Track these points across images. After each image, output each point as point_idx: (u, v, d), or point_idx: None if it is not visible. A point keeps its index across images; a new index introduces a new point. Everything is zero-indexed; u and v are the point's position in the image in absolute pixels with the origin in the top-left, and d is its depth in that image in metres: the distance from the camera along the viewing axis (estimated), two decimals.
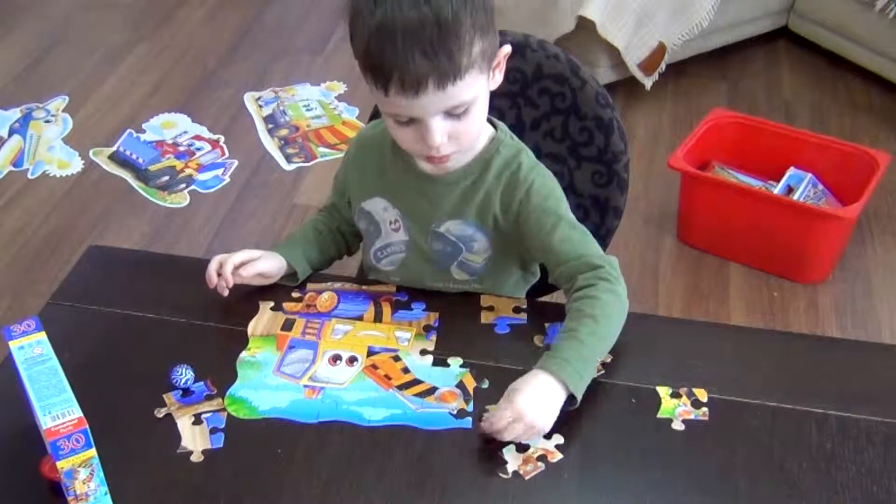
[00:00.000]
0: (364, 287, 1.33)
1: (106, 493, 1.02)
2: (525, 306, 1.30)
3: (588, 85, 1.47)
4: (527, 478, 1.06)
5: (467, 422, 1.13)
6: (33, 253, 2.56)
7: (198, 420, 1.13)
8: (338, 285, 1.33)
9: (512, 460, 1.09)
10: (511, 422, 1.08)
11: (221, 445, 1.11)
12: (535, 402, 1.09)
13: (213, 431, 1.12)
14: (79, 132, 3.03)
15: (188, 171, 2.87)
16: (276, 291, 1.32)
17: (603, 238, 1.54)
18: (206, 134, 3.03)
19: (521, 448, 1.10)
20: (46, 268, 2.49)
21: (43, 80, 3.28)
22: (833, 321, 2.34)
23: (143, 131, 3.04)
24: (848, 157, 2.48)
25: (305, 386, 1.18)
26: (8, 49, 3.47)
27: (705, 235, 2.53)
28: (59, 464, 0.97)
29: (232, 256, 1.29)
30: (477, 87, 1.14)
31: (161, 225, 2.65)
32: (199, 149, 2.96)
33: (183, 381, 1.17)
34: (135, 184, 2.81)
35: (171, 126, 3.07)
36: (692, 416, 1.14)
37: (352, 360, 1.22)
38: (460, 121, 1.15)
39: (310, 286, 1.33)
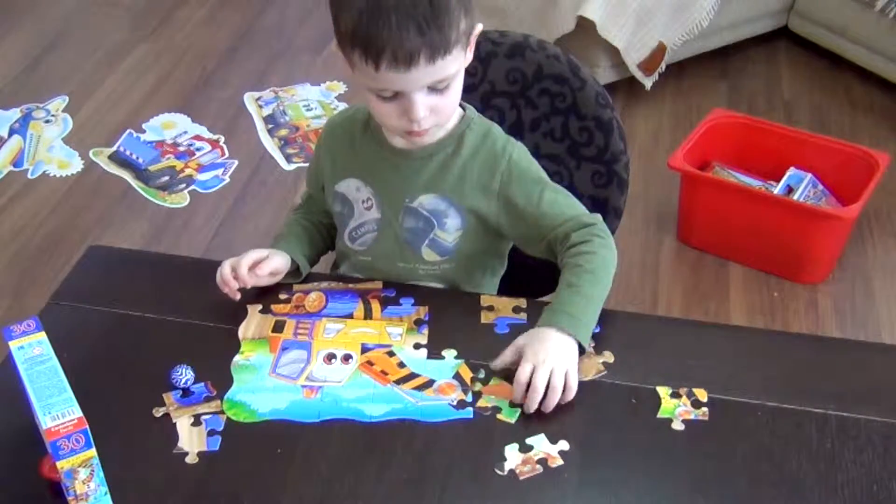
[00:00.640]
0: (351, 285, 1.33)
1: (106, 493, 1.02)
2: (525, 306, 1.30)
3: (588, 85, 1.47)
4: (521, 478, 1.06)
5: (468, 412, 1.14)
6: (33, 253, 2.56)
7: (197, 421, 1.13)
8: (324, 285, 1.33)
9: (511, 459, 1.09)
10: (532, 373, 1.13)
11: (217, 448, 1.10)
12: (552, 353, 1.15)
13: (210, 434, 1.12)
14: (79, 132, 3.03)
15: (188, 171, 2.87)
16: (263, 294, 1.31)
17: None
18: (206, 134, 3.03)
19: (524, 448, 1.10)
20: (46, 268, 2.49)
21: (43, 80, 3.28)
22: (833, 321, 2.34)
23: (143, 131, 3.04)
24: (848, 157, 2.48)
25: (303, 386, 1.18)
26: (8, 49, 3.47)
27: (705, 235, 2.53)
28: (59, 464, 0.97)
29: (243, 258, 1.29)
30: (459, 61, 1.19)
31: (161, 225, 2.65)
32: (199, 149, 2.96)
33: (183, 381, 1.17)
34: (135, 184, 2.81)
35: (171, 126, 3.07)
36: (692, 417, 1.14)
37: (346, 357, 1.22)
38: (442, 95, 1.19)
39: (296, 287, 1.33)
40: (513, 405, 1.15)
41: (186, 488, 1.06)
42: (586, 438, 1.12)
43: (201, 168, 2.88)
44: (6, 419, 1.13)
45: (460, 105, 1.31)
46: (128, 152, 2.94)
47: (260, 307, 1.30)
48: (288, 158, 2.92)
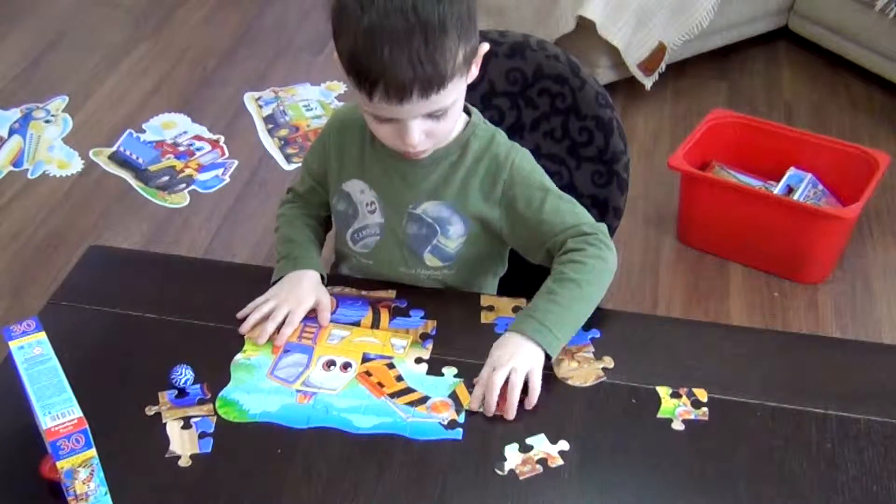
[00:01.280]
0: (364, 292, 1.32)
1: (106, 493, 1.02)
2: (525, 306, 1.30)
3: (588, 85, 1.47)
4: (521, 478, 1.06)
5: (457, 433, 1.12)
6: (33, 253, 2.56)
7: (187, 424, 1.13)
8: (337, 289, 1.33)
9: (511, 458, 1.09)
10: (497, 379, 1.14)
11: (210, 451, 1.10)
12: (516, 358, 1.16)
13: (201, 436, 1.12)
14: (79, 132, 3.03)
15: (188, 171, 2.86)
16: None
17: None
18: (206, 134, 3.03)
19: (524, 448, 1.10)
20: (46, 268, 2.49)
21: (43, 80, 3.28)
22: (833, 321, 2.34)
23: (143, 131, 3.03)
24: (848, 157, 2.48)
25: (298, 391, 1.18)
26: (8, 49, 3.47)
27: (705, 235, 2.53)
28: (59, 464, 0.97)
29: (295, 316, 1.26)
30: (458, 90, 1.17)
31: (161, 225, 2.65)
32: (199, 149, 2.96)
33: (182, 381, 1.17)
34: (135, 184, 2.81)
35: (171, 126, 3.07)
36: (692, 416, 1.14)
37: (346, 366, 1.21)
38: (438, 121, 1.18)
39: None
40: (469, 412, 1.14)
41: (186, 488, 1.06)
42: (586, 438, 1.12)
43: (201, 168, 2.88)
44: (6, 419, 1.13)
45: (465, 111, 1.31)
46: (128, 152, 2.94)
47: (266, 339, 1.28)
48: (288, 158, 2.92)
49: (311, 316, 1.28)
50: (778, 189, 2.48)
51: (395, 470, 1.08)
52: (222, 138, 3.01)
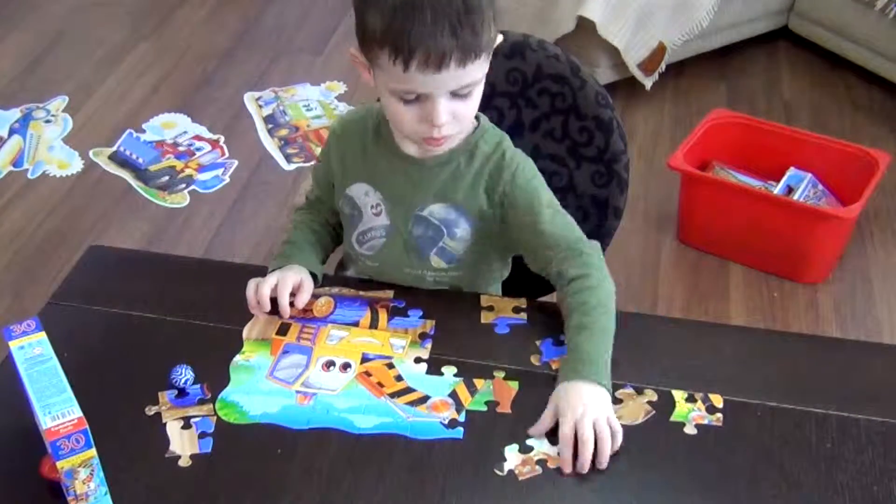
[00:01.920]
0: (361, 293, 1.32)
1: (106, 493, 1.02)
2: (525, 306, 1.30)
3: (588, 85, 1.47)
4: (520, 478, 1.06)
5: (458, 432, 1.12)
6: (33, 253, 2.56)
7: (187, 424, 1.13)
8: (335, 290, 1.33)
9: (511, 459, 1.09)
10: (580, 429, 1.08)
11: (210, 451, 1.10)
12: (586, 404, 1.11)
13: (202, 436, 1.12)
14: (79, 132, 3.03)
15: (188, 171, 2.87)
16: (274, 296, 1.31)
17: (603, 238, 1.54)
18: (206, 134, 3.03)
19: (524, 449, 1.10)
20: (46, 268, 2.49)
21: (43, 80, 3.28)
22: (833, 321, 2.34)
23: (143, 131, 3.04)
24: (848, 157, 2.48)
25: (297, 392, 1.17)
26: (8, 49, 3.47)
27: (705, 235, 2.53)
28: (59, 464, 0.97)
29: (285, 286, 1.26)
30: (485, 68, 1.17)
31: (161, 225, 2.65)
32: (199, 149, 2.96)
33: (182, 381, 1.17)
34: (135, 184, 2.81)
35: (171, 126, 3.07)
36: (705, 421, 1.13)
37: (345, 366, 1.21)
38: (464, 101, 1.17)
39: None
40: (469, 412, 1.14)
41: (186, 488, 1.06)
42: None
43: (201, 168, 2.88)
44: (6, 419, 1.13)
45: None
46: (128, 152, 2.94)
47: (268, 308, 1.29)
48: (288, 158, 2.92)
49: (310, 317, 1.28)
50: (778, 189, 2.48)
51: (395, 470, 1.08)
52: (222, 138, 3.01)
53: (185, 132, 3.04)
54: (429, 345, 1.24)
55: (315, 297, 1.31)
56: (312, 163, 2.88)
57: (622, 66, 2.99)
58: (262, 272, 1.36)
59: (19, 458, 1.08)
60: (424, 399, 1.17)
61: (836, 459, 1.09)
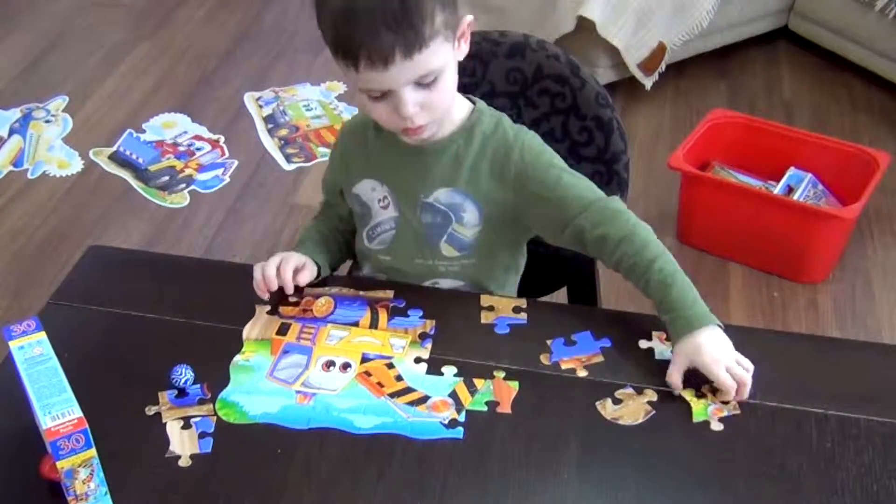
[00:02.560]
0: (361, 292, 1.32)
1: (106, 493, 1.02)
2: (525, 306, 1.30)
3: (588, 85, 1.47)
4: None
5: (458, 432, 1.12)
6: (33, 253, 2.56)
7: (187, 424, 1.13)
8: (335, 290, 1.33)
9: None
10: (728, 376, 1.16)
11: (210, 450, 1.10)
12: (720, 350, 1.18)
13: (202, 436, 1.12)
14: (79, 132, 3.03)
15: (188, 171, 2.87)
16: (274, 296, 1.31)
17: None
18: (206, 134, 3.03)
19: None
20: (46, 268, 2.49)
21: (43, 80, 3.29)
22: (833, 321, 2.34)
23: (143, 131, 3.04)
24: (848, 157, 2.48)
25: (297, 391, 1.17)
26: (8, 49, 3.47)
27: (705, 235, 2.53)
28: (59, 464, 0.97)
29: (289, 263, 1.30)
30: (443, 55, 1.18)
31: (161, 225, 2.65)
32: (199, 149, 2.96)
33: (182, 380, 1.17)
34: (135, 184, 2.81)
35: (171, 126, 3.07)
36: (725, 413, 1.14)
37: (345, 366, 1.21)
38: (431, 90, 1.19)
39: (307, 290, 1.32)
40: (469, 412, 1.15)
41: (186, 488, 1.06)
42: (586, 439, 1.12)
43: (201, 168, 2.88)
44: (6, 419, 1.13)
45: (470, 99, 1.33)
46: (128, 152, 2.94)
47: (268, 308, 1.29)
48: (288, 158, 2.92)
49: (310, 316, 1.28)
50: (778, 189, 2.48)
51: (395, 470, 1.08)
52: (222, 138, 3.01)
53: (185, 132, 3.04)
54: (429, 344, 1.24)
55: (315, 296, 1.31)
56: (313, 163, 2.89)
57: (622, 66, 2.99)
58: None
59: (19, 458, 1.08)
60: (424, 399, 1.16)
61: (835, 459, 1.09)
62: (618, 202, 1.31)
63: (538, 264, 1.49)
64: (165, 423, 1.13)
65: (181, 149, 2.96)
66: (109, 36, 3.55)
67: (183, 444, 1.11)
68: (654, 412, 1.15)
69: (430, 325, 1.27)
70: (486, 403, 1.16)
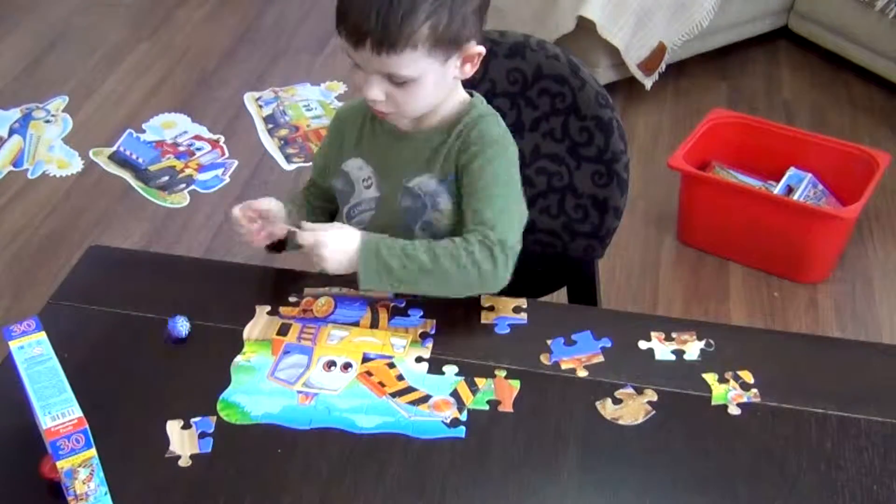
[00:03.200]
0: (361, 292, 1.33)
1: (106, 493, 1.02)
2: (525, 306, 1.30)
3: (588, 85, 1.47)
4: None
5: (460, 431, 1.12)
6: (33, 253, 2.56)
7: (186, 424, 1.13)
8: (335, 290, 1.33)
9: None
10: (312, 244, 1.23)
11: (210, 451, 1.10)
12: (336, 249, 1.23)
13: (201, 436, 1.12)
14: (79, 132, 3.03)
15: (188, 171, 2.87)
16: (273, 296, 1.31)
17: (603, 238, 1.54)
18: (206, 134, 3.03)
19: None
20: (46, 268, 2.49)
21: (43, 80, 3.28)
22: (833, 321, 2.34)
23: (143, 131, 3.04)
24: (848, 157, 2.48)
25: (299, 392, 1.17)
26: (8, 49, 3.47)
27: (705, 235, 2.53)
28: (59, 464, 0.97)
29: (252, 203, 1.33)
30: (419, 67, 1.19)
31: (161, 225, 2.65)
32: (199, 149, 2.96)
33: (182, 330, 1.20)
34: (135, 184, 2.81)
35: (171, 126, 3.07)
36: (745, 399, 1.15)
37: (346, 366, 1.21)
38: (399, 89, 1.22)
39: (307, 291, 1.32)
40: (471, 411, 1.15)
41: (186, 488, 1.06)
42: (586, 439, 1.12)
43: (201, 168, 2.88)
44: (6, 419, 1.13)
45: (469, 92, 1.34)
46: (128, 152, 2.94)
47: (268, 308, 1.29)
48: (288, 158, 2.92)
49: (310, 316, 1.28)
50: (778, 189, 2.48)
51: (395, 470, 1.08)
52: (222, 138, 3.01)
53: (185, 132, 3.04)
54: (429, 344, 1.24)
55: (315, 296, 1.31)
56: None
57: (622, 66, 2.99)
58: (262, 272, 1.36)
59: (19, 458, 1.08)
60: (426, 398, 1.17)
61: (836, 459, 1.09)
62: (501, 239, 1.23)
63: (538, 264, 1.49)
64: (165, 423, 1.13)
65: (181, 149, 2.96)
66: (109, 36, 3.55)
67: (183, 444, 1.11)
68: (654, 412, 1.15)
69: (430, 325, 1.27)
70: (488, 402, 1.16)
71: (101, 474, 1.01)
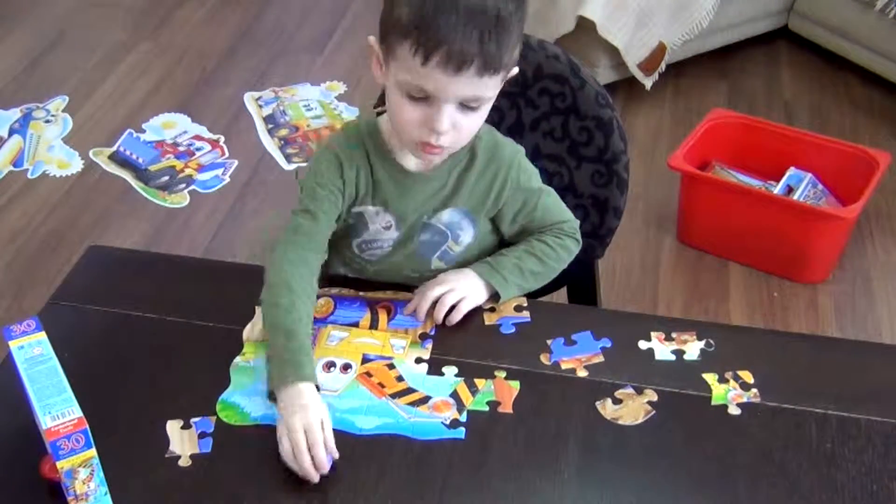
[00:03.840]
0: (361, 293, 1.32)
1: (106, 493, 1.02)
2: (525, 304, 1.30)
3: (588, 85, 1.47)
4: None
5: (460, 432, 1.12)
6: (33, 253, 2.56)
7: (186, 424, 1.13)
8: (334, 291, 1.33)
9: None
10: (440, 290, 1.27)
11: (209, 451, 1.10)
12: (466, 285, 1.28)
13: (201, 436, 1.12)
14: (79, 132, 3.03)
15: (188, 171, 2.87)
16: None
17: (603, 238, 1.54)
18: (206, 134, 3.03)
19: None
20: (46, 268, 2.49)
21: (43, 80, 3.28)
22: (833, 321, 2.34)
23: (143, 131, 3.03)
24: (848, 157, 2.48)
25: None
26: (8, 49, 3.47)
27: (705, 235, 2.53)
28: (59, 464, 0.97)
29: (318, 439, 1.07)
30: (497, 88, 1.16)
31: (161, 225, 2.65)
32: (199, 149, 2.96)
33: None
34: (135, 184, 2.81)
35: (171, 126, 3.07)
36: (745, 399, 1.15)
37: (346, 367, 1.21)
38: (467, 115, 1.15)
39: None
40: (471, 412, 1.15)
41: (186, 488, 1.06)
42: (586, 439, 1.12)
43: (201, 168, 2.88)
44: (6, 419, 1.13)
45: None
46: (128, 152, 2.94)
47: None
48: (288, 158, 2.92)
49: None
50: (778, 189, 2.48)
51: (395, 470, 1.08)
52: (222, 138, 3.01)
53: (185, 132, 3.04)
54: (429, 345, 1.24)
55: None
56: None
57: (622, 66, 2.99)
58: (262, 273, 1.35)
59: (19, 458, 1.08)
60: (426, 399, 1.16)
61: (836, 459, 1.09)
62: (574, 224, 1.38)
63: None
64: (165, 424, 1.13)
65: (181, 149, 2.96)
66: (109, 36, 3.55)
67: (183, 444, 1.11)
68: (654, 412, 1.15)
69: (430, 326, 1.27)
70: (488, 403, 1.16)
71: (101, 474, 1.01)
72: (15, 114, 3.11)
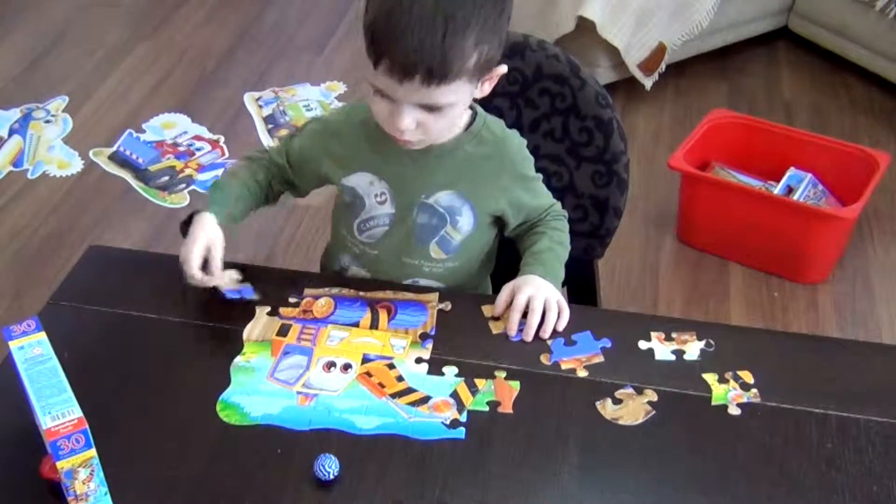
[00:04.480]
0: (361, 293, 1.32)
1: (106, 493, 1.02)
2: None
3: (588, 85, 1.47)
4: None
5: (460, 432, 1.12)
6: (33, 253, 2.56)
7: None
8: (335, 290, 1.33)
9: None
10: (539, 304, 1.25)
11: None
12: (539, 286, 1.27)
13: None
14: (79, 132, 3.03)
15: (188, 171, 2.87)
16: (274, 297, 1.30)
17: (603, 238, 1.54)
18: (206, 134, 3.03)
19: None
20: (46, 268, 2.49)
21: (43, 80, 3.28)
22: (833, 321, 2.34)
23: (143, 131, 3.04)
24: (848, 157, 2.48)
25: (298, 393, 1.17)
26: (8, 49, 3.47)
27: (705, 235, 2.53)
28: (59, 464, 0.97)
29: (192, 259, 1.25)
30: (460, 93, 1.17)
31: (161, 225, 2.65)
32: (199, 149, 2.96)
33: (329, 472, 1.06)
34: (135, 184, 2.81)
35: (171, 126, 3.07)
36: (745, 399, 1.15)
37: (346, 367, 1.21)
38: (432, 115, 1.18)
39: (307, 291, 1.32)
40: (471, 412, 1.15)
41: (186, 488, 1.06)
42: (586, 438, 1.12)
43: (201, 168, 2.88)
44: (6, 419, 1.13)
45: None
46: (128, 152, 2.94)
47: (268, 309, 1.29)
48: None
49: (310, 317, 1.28)
50: (778, 189, 2.48)
51: (395, 470, 1.08)
52: (222, 138, 3.01)
53: (185, 132, 3.04)
54: (429, 345, 1.24)
55: (315, 297, 1.31)
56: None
57: (622, 66, 2.99)
58: (262, 272, 1.36)
59: (19, 458, 1.08)
60: (426, 399, 1.16)
61: (835, 459, 1.09)
62: (559, 205, 1.42)
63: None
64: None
65: (181, 149, 2.96)
66: (109, 36, 3.55)
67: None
68: (654, 412, 1.15)
69: (430, 326, 1.27)
70: (488, 403, 1.16)
71: (101, 474, 1.01)
72: (15, 114, 3.11)
